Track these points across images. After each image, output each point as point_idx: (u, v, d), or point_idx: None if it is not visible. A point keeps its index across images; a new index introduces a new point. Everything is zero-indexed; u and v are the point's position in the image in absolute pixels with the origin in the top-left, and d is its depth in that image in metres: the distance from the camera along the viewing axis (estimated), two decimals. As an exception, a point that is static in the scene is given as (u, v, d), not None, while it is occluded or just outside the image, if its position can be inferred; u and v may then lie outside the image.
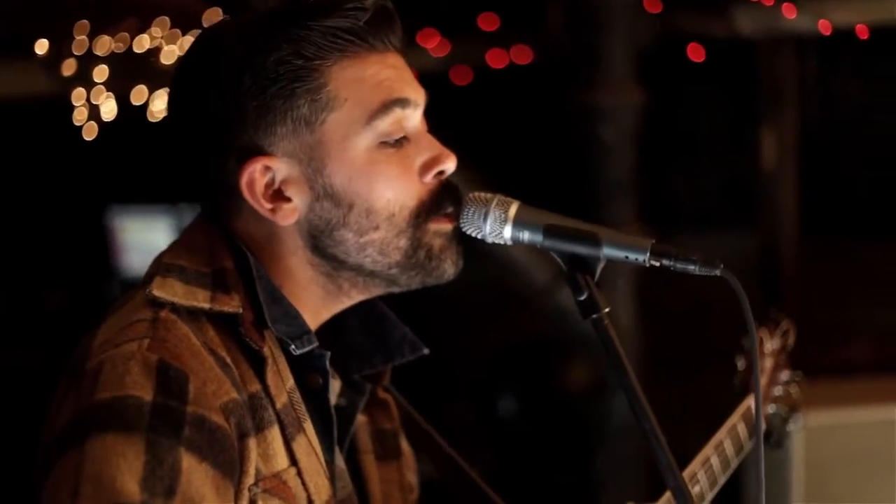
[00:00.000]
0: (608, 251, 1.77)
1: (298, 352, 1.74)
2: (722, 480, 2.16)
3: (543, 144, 5.14)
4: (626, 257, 1.78)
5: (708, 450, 2.15)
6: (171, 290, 1.70)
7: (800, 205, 5.24)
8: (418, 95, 1.80)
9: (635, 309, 4.53)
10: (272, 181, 1.75)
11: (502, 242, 1.82)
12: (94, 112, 5.49)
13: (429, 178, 1.79)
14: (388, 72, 1.78)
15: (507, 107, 5.79)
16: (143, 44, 5.45)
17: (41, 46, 5.39)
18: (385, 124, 1.76)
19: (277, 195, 1.75)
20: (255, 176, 1.74)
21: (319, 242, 1.77)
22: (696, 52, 4.99)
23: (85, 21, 5.41)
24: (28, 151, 6.02)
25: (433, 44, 5.65)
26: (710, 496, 2.14)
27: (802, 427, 4.06)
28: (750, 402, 2.28)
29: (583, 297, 1.77)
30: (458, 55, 5.64)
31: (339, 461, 1.86)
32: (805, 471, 4.11)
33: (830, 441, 4.13)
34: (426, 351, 1.94)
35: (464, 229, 1.81)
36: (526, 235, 1.79)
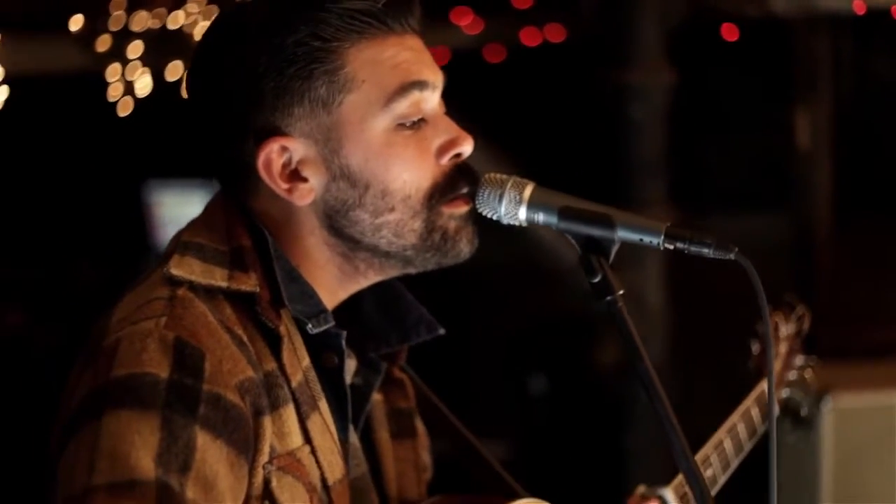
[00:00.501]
0: (622, 233, 1.76)
1: (315, 331, 1.75)
2: (735, 464, 2.17)
3: (574, 123, 5.13)
4: (641, 240, 1.78)
5: (721, 433, 2.16)
6: (188, 269, 1.71)
7: (835, 185, 5.21)
8: (436, 77, 1.80)
9: (664, 289, 4.53)
10: (289, 161, 1.75)
11: (517, 224, 1.81)
12: (128, 88, 5.52)
13: (445, 160, 1.79)
14: (407, 54, 1.78)
15: (538, 85, 5.78)
16: (178, 20, 5.47)
17: (76, 22, 5.41)
18: (403, 106, 1.76)
19: (294, 175, 1.76)
20: (273, 156, 1.75)
21: (335, 223, 1.77)
22: (730, 32, 4.96)
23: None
24: (64, 127, 6.06)
25: (467, 21, 5.66)
26: (722, 479, 2.15)
27: (832, 409, 4.04)
28: (764, 386, 2.28)
29: (597, 280, 1.77)
30: (492, 33, 5.64)
31: (354, 439, 1.87)
32: (835, 453, 4.09)
33: (861, 423, 4.11)
34: (442, 331, 1.95)
35: (479, 210, 1.81)
36: (541, 217, 1.79)
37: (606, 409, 4.44)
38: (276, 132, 1.75)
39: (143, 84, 5.52)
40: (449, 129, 1.79)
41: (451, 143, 1.79)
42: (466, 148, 1.80)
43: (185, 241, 1.76)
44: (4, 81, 5.09)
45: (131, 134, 5.81)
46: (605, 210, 1.78)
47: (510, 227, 1.84)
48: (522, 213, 1.79)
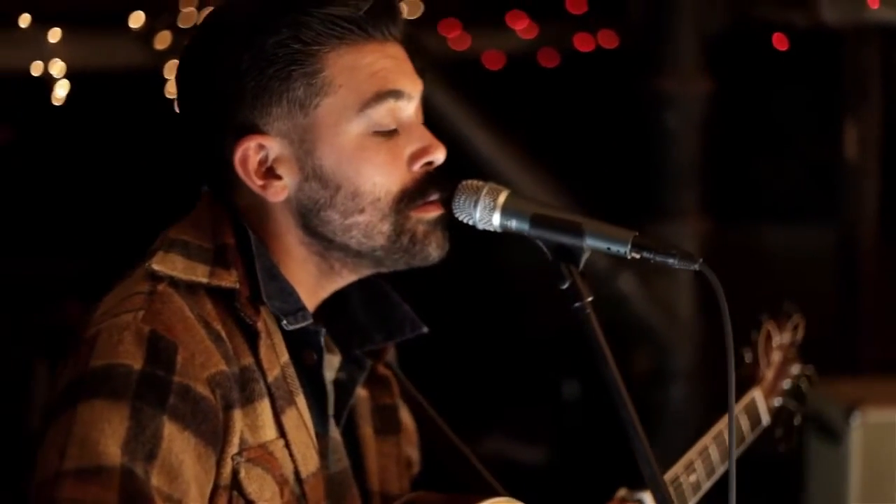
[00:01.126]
0: (591, 242, 1.81)
1: (290, 328, 1.81)
2: (720, 470, 2.19)
3: (615, 129, 5.14)
4: (609, 248, 1.82)
5: (706, 440, 2.19)
6: (171, 265, 1.78)
7: (882, 198, 5.17)
8: (414, 87, 1.86)
9: (695, 299, 4.54)
10: (265, 159, 1.82)
11: (491, 230, 1.86)
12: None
13: (417, 167, 1.84)
14: (385, 62, 1.83)
15: (587, 91, 5.80)
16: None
17: (136, 19, 5.49)
18: (378, 114, 1.82)
19: (269, 173, 1.82)
20: (249, 153, 1.81)
21: (308, 221, 1.83)
22: (779, 42, 4.94)
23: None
24: (123, 122, 6.16)
25: (522, 25, 5.68)
26: (706, 485, 2.18)
27: (861, 424, 4.03)
28: (754, 394, 2.30)
29: (566, 286, 1.80)
30: (546, 37, 5.66)
31: (335, 434, 1.93)
32: (863, 467, 4.07)
33: (891, 438, 4.09)
34: (425, 329, 2.00)
35: (456, 215, 1.86)
36: (514, 223, 1.83)
37: (638, 417, 4.42)
38: (254, 130, 1.81)
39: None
40: (423, 137, 1.85)
41: (423, 151, 1.85)
42: (438, 156, 1.85)
43: (171, 239, 1.84)
44: (66, 76, 5.17)
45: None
46: (575, 218, 1.82)
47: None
48: (496, 220, 1.84)
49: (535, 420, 5.56)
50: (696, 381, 4.69)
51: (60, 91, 5.00)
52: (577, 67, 5.53)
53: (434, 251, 1.87)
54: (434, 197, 1.85)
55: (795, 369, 2.43)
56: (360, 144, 1.81)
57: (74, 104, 5.13)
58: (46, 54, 4.80)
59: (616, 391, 1.81)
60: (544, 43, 5.71)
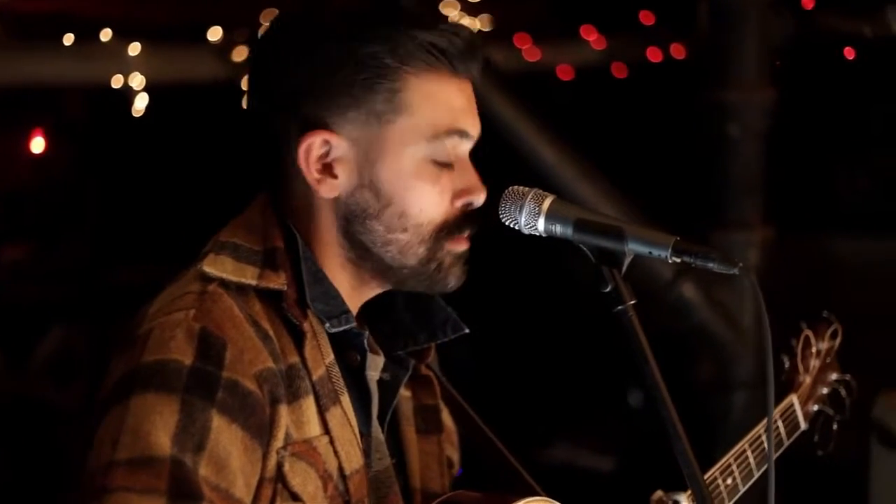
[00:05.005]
0: (633, 246, 1.85)
1: (333, 330, 1.88)
2: (757, 474, 2.21)
3: (680, 140, 5.16)
4: (650, 252, 1.86)
5: (744, 443, 2.21)
6: (221, 267, 1.86)
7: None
8: (475, 130, 1.95)
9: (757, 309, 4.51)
10: (326, 155, 1.89)
11: (536, 234, 1.91)
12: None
13: (459, 203, 1.93)
14: (461, 100, 1.92)
15: (655, 102, 5.81)
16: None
17: (214, 33, 5.60)
18: (442, 146, 1.90)
19: (327, 169, 1.89)
20: (315, 146, 1.88)
21: (351, 226, 1.91)
22: (848, 52, 4.93)
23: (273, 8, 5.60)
24: (201, 133, 6.26)
25: (593, 37, 5.72)
26: (743, 488, 2.20)
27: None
28: (792, 399, 2.33)
29: (608, 290, 1.85)
30: (617, 50, 5.69)
31: (379, 434, 1.98)
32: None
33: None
34: (467, 330, 2.05)
35: (501, 219, 1.92)
36: (558, 228, 1.89)
37: (699, 425, 4.45)
38: (325, 126, 1.89)
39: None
40: (471, 178, 1.95)
41: (468, 192, 1.93)
42: (479, 199, 1.95)
43: (221, 241, 1.91)
44: (145, 89, 5.28)
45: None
46: (617, 223, 1.87)
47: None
48: (541, 224, 1.89)
49: (602, 428, 5.57)
50: (757, 390, 4.68)
51: (140, 103, 5.10)
52: (646, 79, 5.55)
53: (453, 281, 1.95)
54: (467, 233, 1.93)
55: (833, 376, 2.45)
56: (419, 169, 1.89)
57: (153, 116, 5.23)
58: (126, 68, 4.90)
59: (657, 392, 1.85)
60: (615, 56, 5.74)
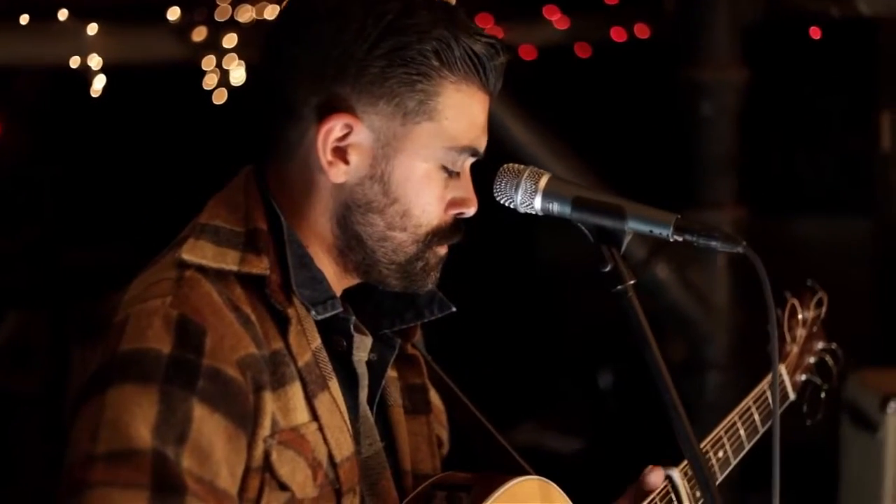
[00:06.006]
0: (633, 224, 1.83)
1: (319, 317, 1.84)
2: (748, 447, 2.21)
3: (650, 120, 5.15)
4: (651, 231, 1.84)
5: (734, 416, 2.21)
6: (200, 253, 1.80)
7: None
8: (483, 148, 1.93)
9: (730, 287, 4.53)
10: (343, 138, 1.84)
11: (533, 213, 1.88)
12: (223, 78, 5.61)
13: (452, 212, 1.91)
14: (483, 118, 1.91)
15: (620, 82, 5.80)
16: (274, 12, 5.56)
17: (173, 13, 5.52)
18: (456, 159, 1.88)
19: (339, 153, 1.84)
20: (336, 127, 1.83)
21: (349, 215, 1.86)
22: (814, 32, 4.93)
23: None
24: (160, 114, 6.19)
25: (556, 17, 5.69)
26: (734, 461, 2.20)
27: (897, 411, 4.04)
28: (780, 371, 2.31)
29: (608, 269, 1.82)
30: (580, 29, 5.67)
31: (369, 418, 1.95)
32: (899, 455, 4.07)
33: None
34: (453, 308, 2.02)
35: (497, 198, 1.89)
36: (555, 207, 1.86)
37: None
38: (351, 110, 1.84)
39: (238, 75, 5.61)
40: (468, 190, 1.93)
41: (463, 203, 1.92)
42: (471, 212, 1.94)
43: (201, 224, 1.85)
44: (102, 70, 5.21)
45: (227, 123, 5.92)
46: (616, 201, 1.84)
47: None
48: (538, 203, 1.87)
49: (570, 410, 5.57)
50: (730, 371, 4.69)
51: (98, 84, 5.03)
52: (612, 58, 5.54)
53: (430, 282, 1.94)
54: (454, 240, 1.92)
55: (820, 345, 2.44)
56: (429, 173, 1.87)
57: (110, 98, 5.16)
58: (84, 48, 4.83)
59: (658, 374, 1.82)
60: (578, 35, 5.72)
